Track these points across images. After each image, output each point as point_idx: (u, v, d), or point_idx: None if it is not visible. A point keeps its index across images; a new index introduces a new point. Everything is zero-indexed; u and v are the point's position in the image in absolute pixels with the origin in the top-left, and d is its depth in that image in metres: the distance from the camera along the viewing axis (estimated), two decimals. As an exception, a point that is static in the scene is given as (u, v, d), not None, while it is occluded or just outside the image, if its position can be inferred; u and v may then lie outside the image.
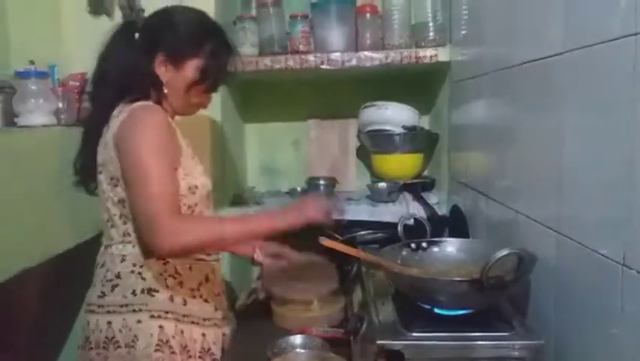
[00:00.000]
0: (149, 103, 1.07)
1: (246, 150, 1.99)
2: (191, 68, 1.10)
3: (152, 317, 1.05)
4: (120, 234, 1.09)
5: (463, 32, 1.46)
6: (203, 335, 1.11)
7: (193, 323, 1.10)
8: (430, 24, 1.61)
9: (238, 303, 1.58)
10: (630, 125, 0.66)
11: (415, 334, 0.86)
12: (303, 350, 1.05)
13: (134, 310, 1.05)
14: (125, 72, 1.09)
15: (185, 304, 1.09)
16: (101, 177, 1.09)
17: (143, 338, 1.04)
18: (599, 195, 0.75)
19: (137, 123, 1.03)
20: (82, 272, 1.17)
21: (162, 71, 1.10)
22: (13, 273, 1.24)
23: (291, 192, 1.83)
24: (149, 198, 0.98)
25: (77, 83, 1.58)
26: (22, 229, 1.24)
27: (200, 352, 1.10)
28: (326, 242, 1.02)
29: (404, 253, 1.09)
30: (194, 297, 1.11)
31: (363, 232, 1.43)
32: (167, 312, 1.07)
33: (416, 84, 1.84)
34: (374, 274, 1.12)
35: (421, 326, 0.89)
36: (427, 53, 1.57)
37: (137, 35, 1.11)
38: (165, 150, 1.03)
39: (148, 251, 1.06)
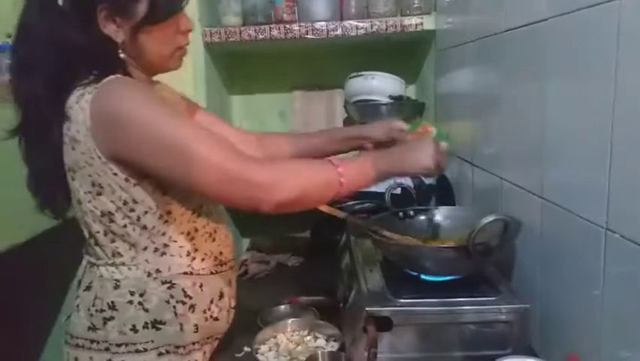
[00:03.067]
0: (119, 76, 0.83)
1: (233, 122, 1.97)
2: (143, 6, 0.84)
3: (160, 354, 0.87)
4: (108, 254, 0.88)
5: (448, 0, 1.44)
6: (204, 353, 0.94)
7: (202, 347, 0.93)
8: (415, -9, 1.59)
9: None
10: (612, 91, 0.67)
11: (402, 300, 0.88)
12: (293, 319, 1.07)
13: (138, 351, 0.86)
14: (64, 50, 0.83)
15: (196, 331, 0.90)
16: (75, 185, 0.86)
17: None
18: (582, 161, 0.76)
19: (122, 98, 0.80)
20: (69, 249, 1.13)
21: (113, 29, 0.84)
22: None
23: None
24: (209, 167, 0.78)
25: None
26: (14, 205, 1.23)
27: None
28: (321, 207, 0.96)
29: (391, 221, 1.10)
30: (205, 320, 0.91)
31: (350, 202, 1.44)
32: (177, 347, 0.88)
33: (402, 53, 1.83)
34: (362, 243, 1.13)
35: (409, 292, 0.90)
36: (412, 22, 1.56)
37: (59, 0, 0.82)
38: (170, 109, 0.84)
39: (153, 270, 0.87)
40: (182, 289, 0.88)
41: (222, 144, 0.82)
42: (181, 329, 0.88)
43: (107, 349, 0.87)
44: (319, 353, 0.85)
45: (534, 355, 0.83)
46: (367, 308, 0.86)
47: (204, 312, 0.91)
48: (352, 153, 1.23)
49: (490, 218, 0.84)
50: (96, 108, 0.79)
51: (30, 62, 0.84)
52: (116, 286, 0.87)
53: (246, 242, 1.94)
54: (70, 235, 1.17)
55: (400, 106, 1.74)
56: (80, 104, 0.80)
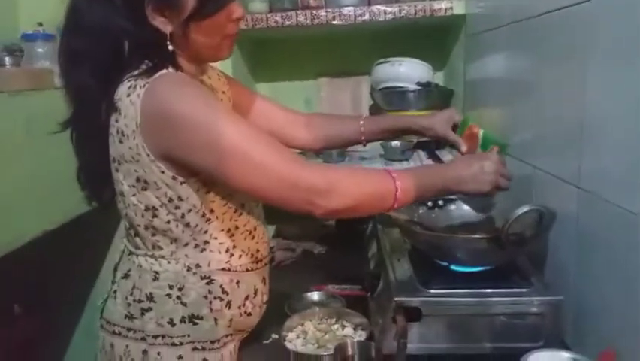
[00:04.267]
0: (170, 71, 0.81)
1: (258, 110, 1.97)
2: (192, 0, 0.81)
3: (195, 349, 0.87)
4: (148, 246, 0.88)
5: (480, -18, 1.41)
6: (234, 345, 0.94)
7: (232, 340, 0.93)
8: (446, -26, 1.56)
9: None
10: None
11: (432, 290, 0.87)
12: (320, 307, 1.07)
13: (174, 344, 0.86)
14: (113, 39, 0.82)
15: (229, 326, 0.90)
16: (119, 176, 0.85)
17: None
18: (620, 149, 0.73)
19: (174, 97, 0.78)
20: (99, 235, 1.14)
21: (161, 21, 0.82)
22: (31, 236, 1.27)
23: (304, 152, 1.82)
24: (269, 171, 0.77)
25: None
26: (38, 193, 1.25)
27: None
28: None
29: (421, 211, 1.09)
30: (240, 315, 0.91)
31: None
32: (212, 342, 0.88)
33: (430, 38, 1.79)
34: (390, 231, 1.12)
35: (439, 282, 0.89)
36: (442, 6, 1.52)
37: None
38: (226, 108, 0.83)
39: (192, 264, 0.87)
40: (220, 285, 0.88)
41: (278, 146, 0.80)
42: (215, 324, 0.88)
43: (143, 339, 0.87)
44: (349, 342, 0.85)
45: (567, 349, 0.82)
46: (396, 298, 0.85)
47: (239, 308, 0.91)
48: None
49: (524, 208, 0.82)
50: (148, 105, 0.77)
51: (79, 51, 0.83)
52: (155, 278, 0.87)
53: (272, 229, 1.95)
54: (101, 221, 1.18)
55: (428, 93, 1.72)
56: (131, 97, 0.79)
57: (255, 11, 1.59)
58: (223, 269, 0.89)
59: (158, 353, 0.86)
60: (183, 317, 0.86)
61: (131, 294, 0.88)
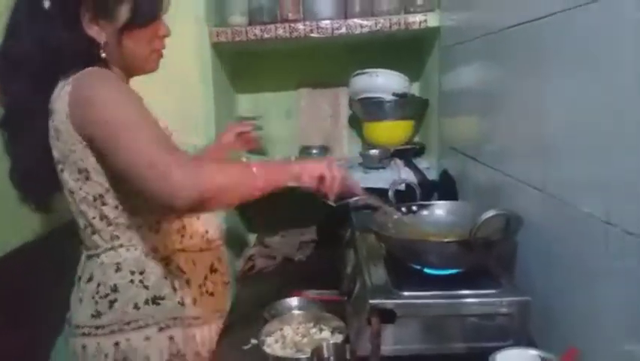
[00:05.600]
0: (91, 68, 0.88)
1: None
2: (125, 10, 0.90)
3: (161, 329, 0.94)
4: (107, 239, 0.94)
5: (452, -3, 1.46)
6: (209, 330, 1.04)
7: (203, 323, 1.01)
8: (419, -11, 1.61)
9: (236, 269, 1.62)
10: (614, 86, 0.68)
11: (406, 293, 0.90)
12: (299, 311, 1.09)
13: (140, 327, 0.93)
14: (49, 49, 0.88)
15: (194, 304, 0.99)
16: (65, 176, 0.91)
17: (155, 357, 0.94)
18: (584, 155, 0.77)
19: (96, 82, 0.86)
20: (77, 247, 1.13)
21: (95, 31, 0.90)
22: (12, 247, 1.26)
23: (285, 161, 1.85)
24: (140, 150, 0.80)
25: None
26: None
27: (208, 351, 1.02)
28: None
29: (395, 216, 1.12)
30: (201, 294, 1.00)
31: (355, 198, 1.46)
32: (175, 318, 0.96)
33: (406, 50, 1.84)
34: (366, 237, 1.15)
35: (412, 285, 0.92)
36: (416, 19, 1.57)
37: (46, 3, 0.88)
38: (136, 98, 0.86)
39: (149, 250, 0.94)
40: (177, 265, 0.97)
41: (166, 139, 0.85)
42: (181, 303, 0.96)
43: (112, 332, 0.93)
44: (324, 344, 0.87)
45: (534, 347, 0.85)
46: (371, 301, 0.87)
47: (200, 287, 1.00)
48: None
49: (490, 213, 0.86)
50: (73, 94, 0.85)
51: (17, 60, 0.89)
52: (118, 269, 0.93)
53: (252, 237, 1.97)
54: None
55: (404, 103, 1.76)
56: (61, 94, 0.87)
57: (234, 24, 1.62)
58: (178, 250, 0.98)
59: (127, 340, 0.92)
60: (147, 300, 0.93)
61: (97, 293, 0.93)
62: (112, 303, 0.92)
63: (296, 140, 1.94)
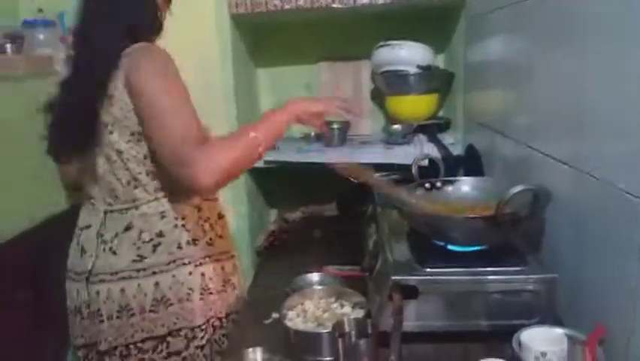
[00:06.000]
0: (149, 44, 1.00)
1: (259, 94, 1.98)
2: None
3: (197, 265, 1.08)
4: (150, 192, 1.05)
5: (480, -36, 1.40)
6: (222, 268, 1.16)
7: (221, 260, 1.15)
8: (445, -44, 1.55)
9: (257, 244, 1.63)
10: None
11: (428, 269, 0.89)
12: (320, 286, 1.09)
13: (184, 264, 1.06)
14: (127, 21, 1.00)
15: (214, 245, 1.13)
16: (114, 137, 1.00)
17: (197, 289, 1.07)
18: (618, 130, 0.74)
19: (145, 63, 0.96)
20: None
21: None
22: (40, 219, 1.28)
23: (305, 137, 1.83)
24: (173, 134, 0.91)
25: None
26: (44, 177, 1.27)
27: (222, 285, 1.14)
28: (338, 166, 1.03)
29: (418, 193, 1.10)
30: (219, 236, 1.15)
31: (377, 174, 1.44)
32: (206, 257, 1.10)
33: (430, 21, 1.78)
34: (389, 213, 1.13)
35: (435, 261, 0.91)
36: (442, -12, 1.52)
37: None
38: (178, 83, 0.96)
39: (185, 200, 1.08)
40: (205, 211, 1.12)
41: (198, 128, 0.94)
42: (209, 243, 1.11)
43: (153, 273, 1.04)
44: (345, 319, 0.86)
45: (561, 325, 0.83)
46: (393, 277, 0.87)
47: (215, 230, 1.15)
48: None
49: (518, 188, 0.83)
50: (128, 67, 0.95)
51: (105, 17, 1.00)
52: (163, 217, 1.06)
53: (273, 213, 1.97)
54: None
55: (429, 76, 1.72)
56: (126, 62, 0.96)
57: (254, -5, 1.58)
58: (203, 200, 1.13)
59: (173, 276, 1.05)
60: (188, 241, 1.07)
61: (139, 239, 1.04)
62: (156, 247, 1.04)
63: (317, 115, 1.92)
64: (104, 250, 1.05)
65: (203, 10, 1.50)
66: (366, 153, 1.61)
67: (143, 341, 1.05)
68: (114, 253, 1.04)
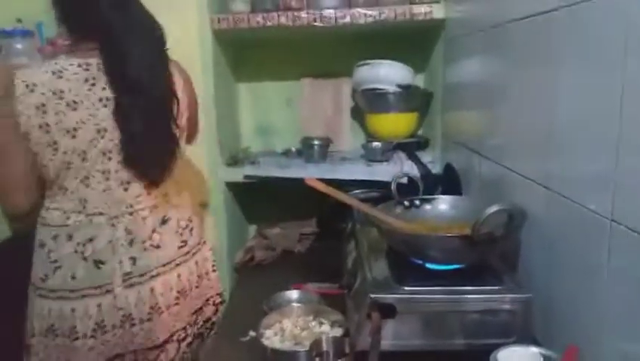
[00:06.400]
0: None
1: (240, 110, 1.98)
2: None
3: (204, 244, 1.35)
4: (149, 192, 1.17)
5: (459, -13, 1.43)
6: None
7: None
8: (425, -21, 1.58)
9: (235, 261, 1.61)
10: (620, 82, 0.67)
11: (407, 288, 0.89)
12: (298, 304, 1.08)
13: (204, 243, 1.33)
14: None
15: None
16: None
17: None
18: (589, 151, 0.76)
19: None
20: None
21: None
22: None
23: (286, 152, 1.83)
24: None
25: (68, 42, 1.55)
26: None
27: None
28: (312, 182, 0.98)
29: (398, 210, 1.11)
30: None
31: (357, 191, 1.44)
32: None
33: (410, 41, 1.82)
34: (368, 231, 1.14)
35: (413, 280, 0.91)
36: (421, 10, 1.54)
37: None
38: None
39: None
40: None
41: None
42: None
43: (193, 254, 1.27)
44: (323, 337, 0.86)
45: (537, 344, 0.84)
46: (372, 295, 0.86)
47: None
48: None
49: (494, 208, 0.84)
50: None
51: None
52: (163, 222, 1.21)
53: (252, 229, 1.96)
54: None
55: (408, 95, 1.74)
56: None
57: (236, 11, 1.59)
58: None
59: (202, 254, 1.33)
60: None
61: (179, 226, 1.23)
62: (191, 231, 1.27)
63: (297, 131, 1.93)
64: (143, 249, 1.14)
65: (185, 25, 1.50)
66: (346, 170, 1.61)
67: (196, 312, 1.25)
68: (157, 247, 1.15)
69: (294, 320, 1.02)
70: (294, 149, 1.81)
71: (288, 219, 1.79)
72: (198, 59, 1.56)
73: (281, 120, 1.98)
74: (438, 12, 1.55)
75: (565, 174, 0.84)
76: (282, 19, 1.56)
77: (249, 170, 1.63)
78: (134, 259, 1.11)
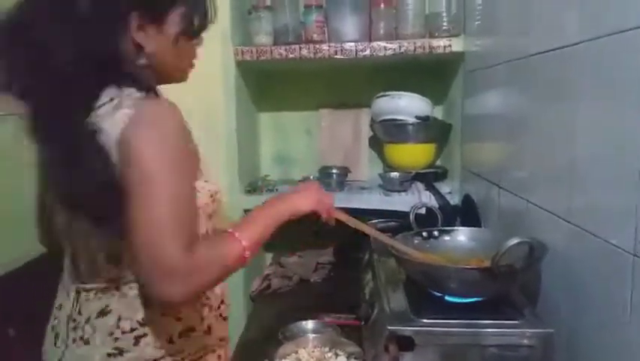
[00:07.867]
0: (160, 100, 0.83)
1: (260, 138, 2.01)
2: (175, 19, 0.84)
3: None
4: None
5: (477, 22, 1.45)
6: (219, 357, 0.95)
7: (217, 348, 0.94)
8: (444, 14, 1.61)
9: (251, 289, 1.61)
10: (643, 116, 0.67)
11: (425, 320, 0.88)
12: (314, 335, 1.07)
13: None
14: (95, 59, 0.76)
15: (210, 333, 0.91)
16: None
17: None
18: (611, 186, 0.75)
19: (151, 129, 0.75)
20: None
21: (142, 36, 0.81)
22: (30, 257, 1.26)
23: (304, 181, 1.85)
24: (155, 226, 0.72)
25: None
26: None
27: None
28: (336, 214, 0.97)
29: (416, 241, 1.10)
30: (223, 318, 0.96)
31: (375, 221, 1.44)
32: (202, 349, 0.89)
33: (429, 74, 1.84)
34: (385, 261, 1.13)
35: (432, 312, 0.90)
36: (440, 43, 1.57)
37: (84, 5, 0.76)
38: (185, 163, 0.78)
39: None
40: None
41: (191, 226, 0.77)
42: (208, 333, 0.89)
43: None
44: (340, 369, 0.85)
45: (559, 382, 0.82)
46: (389, 327, 0.86)
47: (211, 311, 0.91)
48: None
49: (514, 240, 0.84)
50: (131, 127, 0.74)
51: (55, 69, 0.76)
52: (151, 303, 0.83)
53: (269, 257, 1.96)
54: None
55: (427, 126, 1.75)
56: (115, 116, 0.75)
57: (260, 44, 1.64)
58: None
59: None
60: (181, 332, 0.85)
61: (117, 327, 0.82)
62: (139, 338, 0.83)
63: (316, 160, 1.95)
64: (74, 339, 0.84)
65: (209, 57, 1.54)
66: (364, 199, 1.62)
67: None
68: (87, 343, 0.83)
69: (310, 351, 1.01)
70: (312, 177, 1.82)
71: (305, 248, 1.79)
72: (221, 89, 1.60)
73: (300, 149, 2.00)
74: (457, 45, 1.57)
75: (586, 208, 0.83)
76: (304, 52, 1.60)
77: (268, 198, 1.64)
78: (66, 347, 0.86)
